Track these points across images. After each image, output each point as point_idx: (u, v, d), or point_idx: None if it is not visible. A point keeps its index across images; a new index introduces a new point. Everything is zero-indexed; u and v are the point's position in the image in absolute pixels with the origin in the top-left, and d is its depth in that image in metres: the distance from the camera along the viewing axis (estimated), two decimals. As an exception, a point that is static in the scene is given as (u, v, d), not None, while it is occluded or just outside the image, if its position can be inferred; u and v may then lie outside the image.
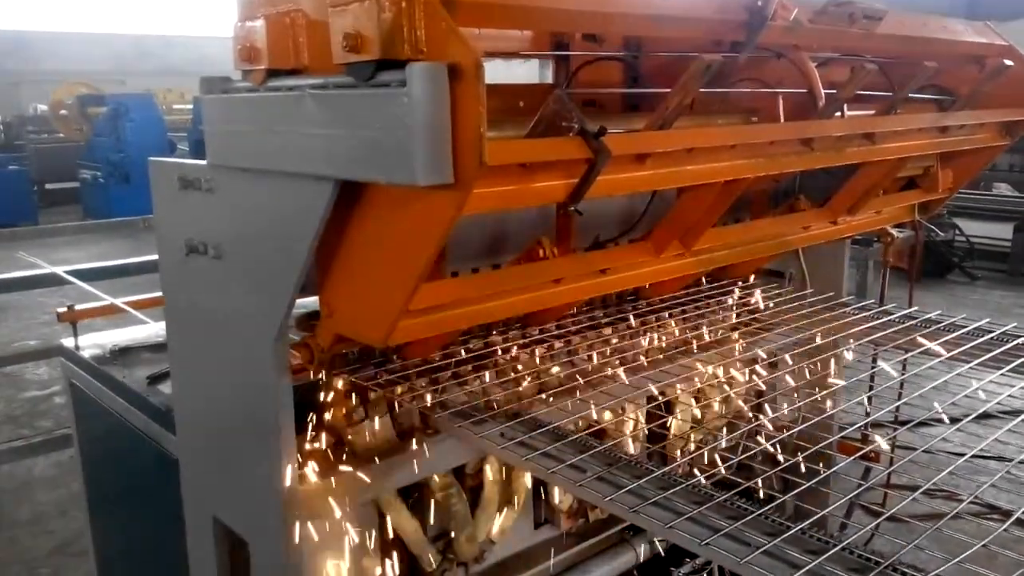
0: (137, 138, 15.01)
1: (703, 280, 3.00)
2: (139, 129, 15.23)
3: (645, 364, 2.41)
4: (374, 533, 2.14)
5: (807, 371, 2.46)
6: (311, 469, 1.88)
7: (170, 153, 14.79)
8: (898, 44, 2.23)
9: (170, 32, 29.16)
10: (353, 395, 2.03)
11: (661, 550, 2.74)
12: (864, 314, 2.81)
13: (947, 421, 2.01)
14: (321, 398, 2.00)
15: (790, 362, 2.62)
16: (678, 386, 2.55)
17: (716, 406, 2.81)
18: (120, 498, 2.83)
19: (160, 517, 2.44)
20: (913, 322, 2.71)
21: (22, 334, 8.38)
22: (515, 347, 2.35)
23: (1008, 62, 2.40)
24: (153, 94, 17.98)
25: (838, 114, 2.17)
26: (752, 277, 3.11)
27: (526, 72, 2.68)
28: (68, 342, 2.86)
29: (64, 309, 3.06)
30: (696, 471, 1.79)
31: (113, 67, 25.69)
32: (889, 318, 2.76)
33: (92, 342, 2.82)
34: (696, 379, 2.45)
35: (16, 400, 6.66)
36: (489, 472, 2.32)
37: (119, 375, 2.51)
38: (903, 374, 2.48)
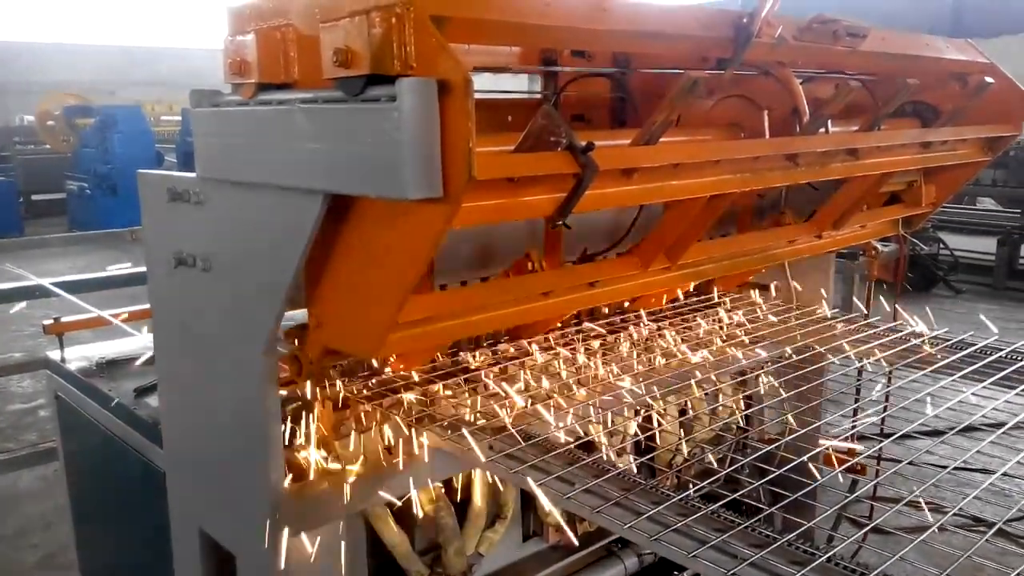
0: (125, 150, 14.96)
1: (687, 294, 3.02)
2: (127, 141, 15.19)
3: (632, 377, 2.42)
4: (362, 546, 2.13)
5: (793, 384, 2.48)
6: (299, 481, 1.88)
7: (158, 165, 14.75)
8: (882, 61, 2.26)
9: (159, 44, 29.16)
10: (342, 407, 2.03)
11: (649, 562, 2.74)
12: (850, 327, 2.83)
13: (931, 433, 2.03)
14: (310, 410, 2.00)
15: (777, 375, 2.64)
16: (666, 399, 2.56)
17: (704, 419, 2.82)
18: (106, 511, 2.81)
19: (146, 530, 2.42)
20: (898, 335, 2.73)
21: (7, 346, 8.31)
22: (504, 359, 2.36)
23: (989, 79, 2.44)
24: (141, 105, 17.94)
25: (822, 130, 2.20)
26: (738, 291, 3.13)
27: (513, 85, 2.69)
28: (54, 354, 2.84)
29: (51, 321, 3.04)
30: (684, 484, 1.80)
31: (102, 78, 25.63)
32: (874, 331, 2.78)
33: (78, 354, 2.81)
34: (683, 392, 2.46)
35: (1, 413, 6.60)
36: (477, 485, 2.32)
37: (105, 388, 2.50)
38: (888, 387, 2.50)
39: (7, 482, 5.26)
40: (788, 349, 2.66)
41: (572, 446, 1.90)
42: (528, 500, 2.53)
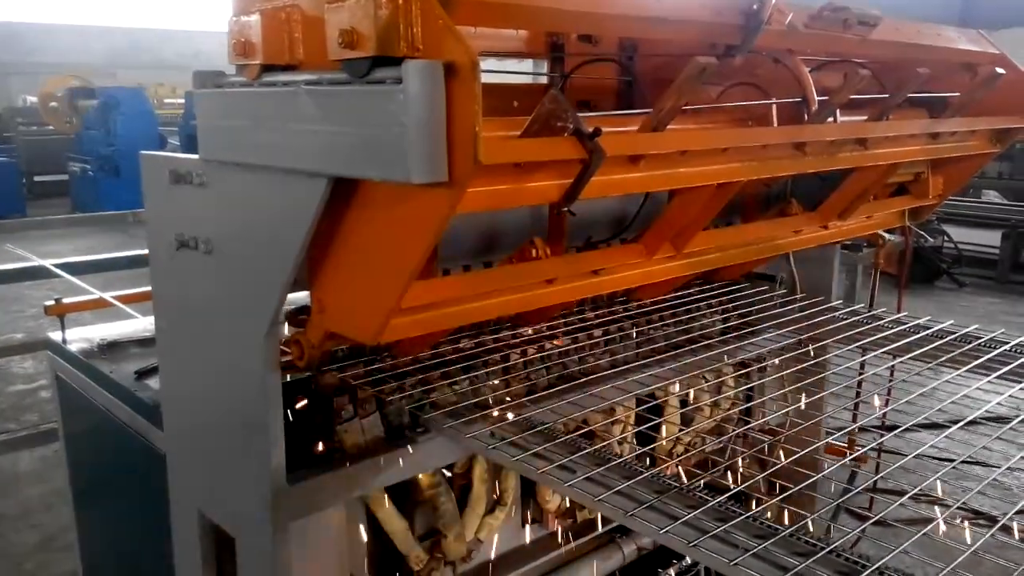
0: (127, 132, 14.94)
1: (691, 283, 3.01)
2: (129, 123, 15.16)
3: (635, 366, 2.41)
4: (362, 531, 2.13)
5: (796, 375, 2.47)
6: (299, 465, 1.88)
7: (161, 147, 14.72)
8: (892, 50, 2.24)
9: (164, 26, 29.04)
10: (343, 392, 2.03)
11: (649, 551, 2.74)
12: (853, 319, 2.82)
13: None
14: (310, 395, 2.00)
15: (779, 366, 2.63)
16: (668, 388, 2.56)
17: (705, 409, 2.81)
18: (106, 493, 2.82)
19: (146, 512, 2.43)
20: (902, 327, 2.72)
21: (8, 327, 8.32)
22: (506, 347, 2.35)
23: (1000, 70, 2.42)
24: (144, 88, 17.89)
25: (831, 119, 2.18)
26: (742, 281, 3.12)
27: (520, 70, 2.68)
28: (55, 336, 2.84)
29: (52, 302, 3.04)
30: (685, 473, 1.80)
31: (105, 60, 25.54)
32: (878, 323, 2.77)
33: (79, 336, 2.80)
34: (686, 382, 2.46)
35: (2, 394, 6.62)
36: (478, 471, 2.32)
37: (106, 369, 2.50)
38: (891, 379, 2.49)
39: (8, 463, 5.28)
40: (791, 340, 2.65)
41: (574, 435, 1.90)
42: (528, 487, 2.53)
